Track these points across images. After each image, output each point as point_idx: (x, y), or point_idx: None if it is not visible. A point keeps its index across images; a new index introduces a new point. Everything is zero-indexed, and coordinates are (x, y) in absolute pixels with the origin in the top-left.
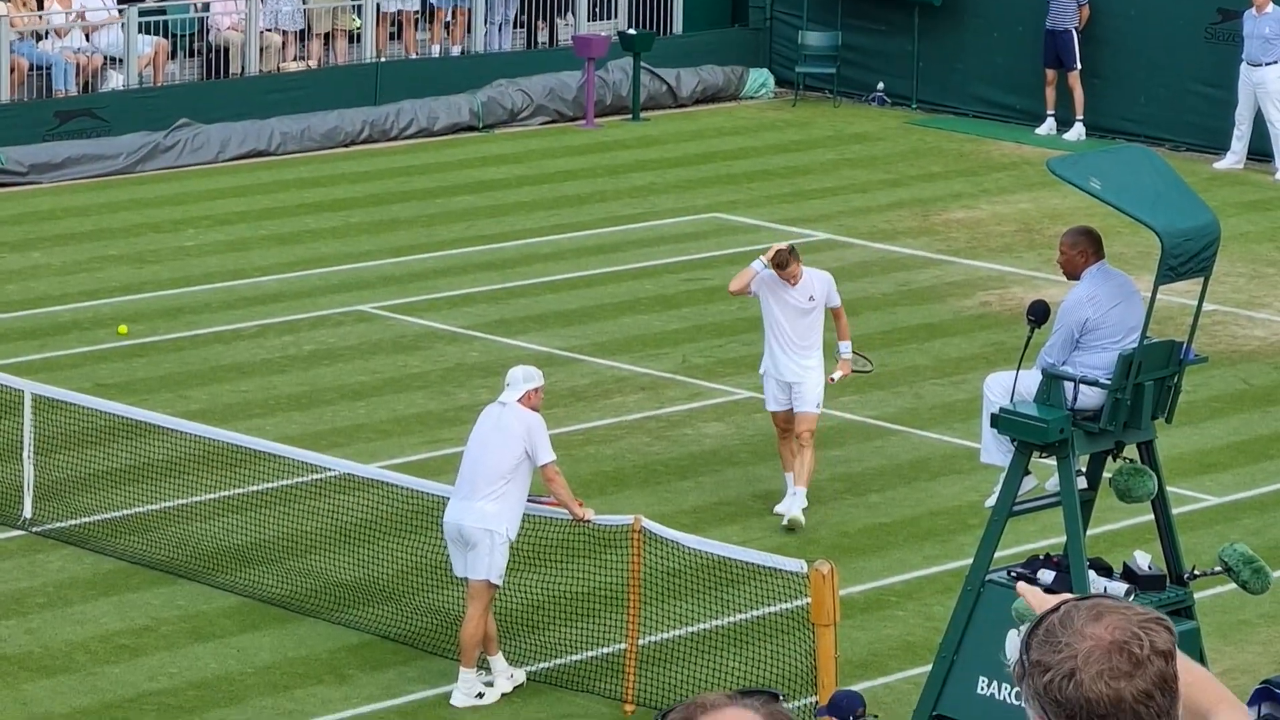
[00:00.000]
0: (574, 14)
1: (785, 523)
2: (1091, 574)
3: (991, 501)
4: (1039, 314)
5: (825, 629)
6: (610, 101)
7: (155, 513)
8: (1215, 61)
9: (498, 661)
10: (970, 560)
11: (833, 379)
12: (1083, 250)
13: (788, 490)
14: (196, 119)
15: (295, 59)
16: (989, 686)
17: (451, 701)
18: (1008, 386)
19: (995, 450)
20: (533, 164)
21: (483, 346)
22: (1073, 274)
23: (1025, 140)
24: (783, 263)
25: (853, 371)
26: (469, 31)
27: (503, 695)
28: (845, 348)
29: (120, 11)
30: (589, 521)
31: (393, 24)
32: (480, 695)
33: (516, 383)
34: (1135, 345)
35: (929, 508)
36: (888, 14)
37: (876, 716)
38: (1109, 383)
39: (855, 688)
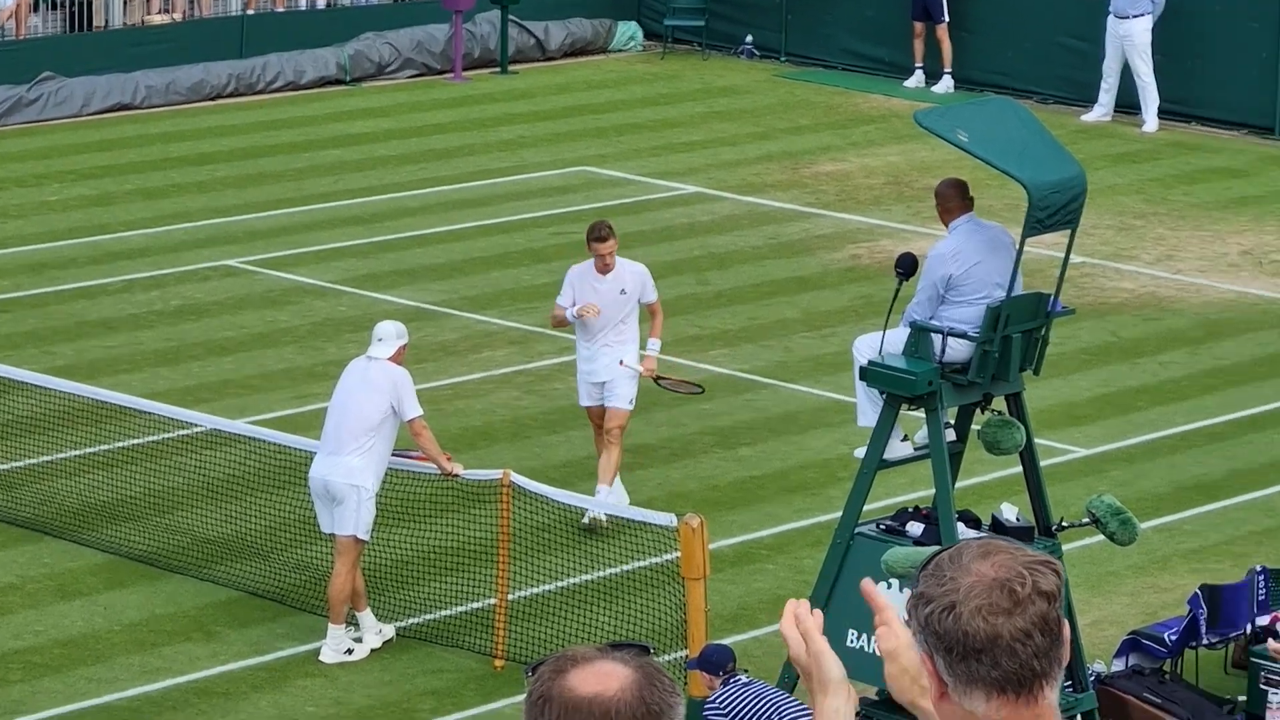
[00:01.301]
0: None
1: (585, 521)
2: (960, 526)
3: (861, 453)
4: (907, 266)
5: (695, 583)
6: (478, 55)
7: (20, 470)
8: (1082, 14)
9: (366, 617)
10: (840, 513)
11: (623, 362)
12: (946, 204)
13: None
14: (60, 72)
15: (160, 11)
16: (858, 639)
17: (320, 658)
18: (875, 347)
19: (871, 412)
20: (401, 118)
21: (351, 301)
22: (945, 224)
23: (894, 93)
24: (601, 235)
25: (671, 389)
26: None
27: (372, 651)
28: (654, 345)
29: None
30: (457, 476)
31: None
32: (349, 651)
33: (389, 338)
34: (1003, 298)
35: (798, 461)
36: None
37: (746, 670)
38: (977, 335)
39: (725, 641)
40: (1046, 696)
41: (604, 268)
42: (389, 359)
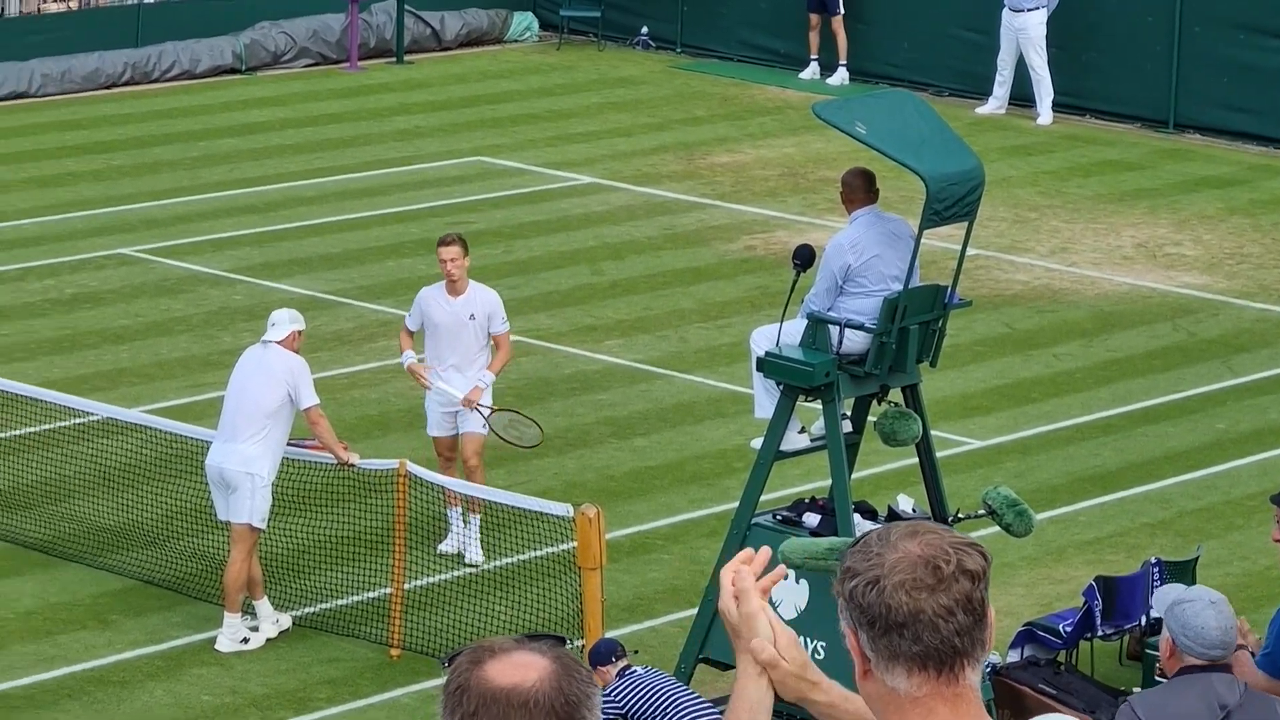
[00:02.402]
0: None
1: (468, 559)
2: (856, 517)
3: (757, 444)
4: (804, 258)
5: (591, 572)
6: (374, 44)
7: None
8: (977, 6)
9: (263, 606)
10: (736, 504)
11: (430, 384)
12: (851, 193)
13: (452, 525)
14: None
15: (56, 0)
16: None
17: (216, 646)
18: (772, 338)
19: (768, 403)
20: (296, 107)
21: (246, 290)
22: (849, 213)
23: (789, 85)
24: (443, 239)
25: (500, 437)
26: None
27: (268, 640)
28: (485, 378)
29: None
30: (353, 465)
31: None
32: (245, 640)
33: (282, 323)
34: (900, 289)
35: (694, 451)
36: None
37: (637, 651)
38: (874, 327)
39: (621, 631)
40: (968, 676)
41: (452, 288)
42: (282, 343)
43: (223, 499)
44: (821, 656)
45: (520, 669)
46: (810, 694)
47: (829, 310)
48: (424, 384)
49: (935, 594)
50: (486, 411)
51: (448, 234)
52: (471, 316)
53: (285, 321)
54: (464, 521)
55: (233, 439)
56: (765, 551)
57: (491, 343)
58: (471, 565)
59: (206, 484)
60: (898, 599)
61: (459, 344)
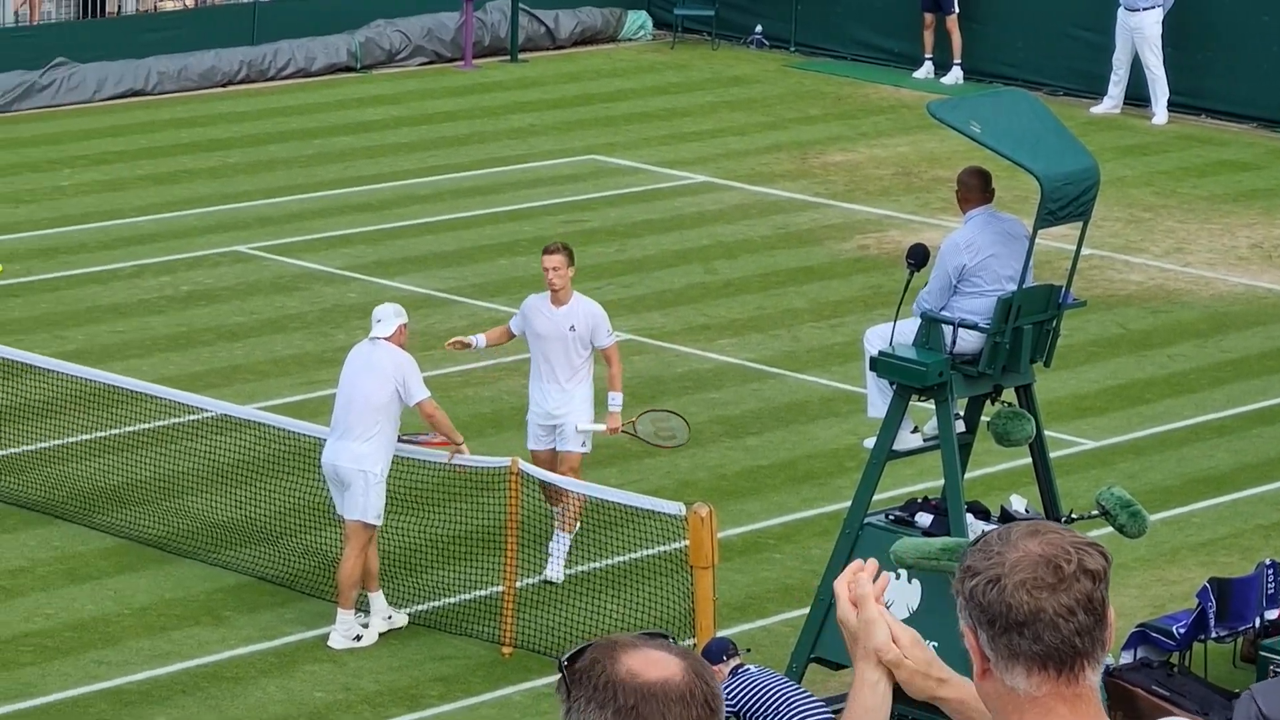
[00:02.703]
0: None
1: (549, 577)
2: (969, 517)
3: (870, 444)
4: (918, 257)
5: (703, 571)
6: (488, 43)
7: (31, 453)
8: (1093, 6)
9: (377, 599)
10: (848, 503)
11: (578, 428)
12: (966, 193)
13: (554, 538)
14: (73, 58)
15: None
16: None
17: (329, 644)
18: (886, 338)
19: (881, 403)
20: (410, 105)
21: (360, 287)
22: (964, 212)
23: (903, 84)
24: (547, 248)
25: (642, 440)
26: None
27: (380, 636)
28: (614, 400)
29: None
30: (463, 454)
31: None
32: (358, 638)
33: (388, 318)
34: (1015, 290)
35: (806, 450)
36: None
37: (749, 650)
38: (988, 326)
39: (733, 630)
40: (1088, 677)
41: (555, 298)
42: (389, 338)
43: (339, 495)
44: None
45: (661, 664)
46: (939, 691)
47: (942, 310)
48: (460, 346)
49: (1056, 593)
50: (633, 429)
51: (552, 243)
52: (571, 328)
53: (391, 316)
54: (557, 535)
55: (345, 436)
56: (874, 562)
57: (600, 356)
58: (551, 580)
59: (321, 480)
60: (1018, 598)
61: (558, 355)
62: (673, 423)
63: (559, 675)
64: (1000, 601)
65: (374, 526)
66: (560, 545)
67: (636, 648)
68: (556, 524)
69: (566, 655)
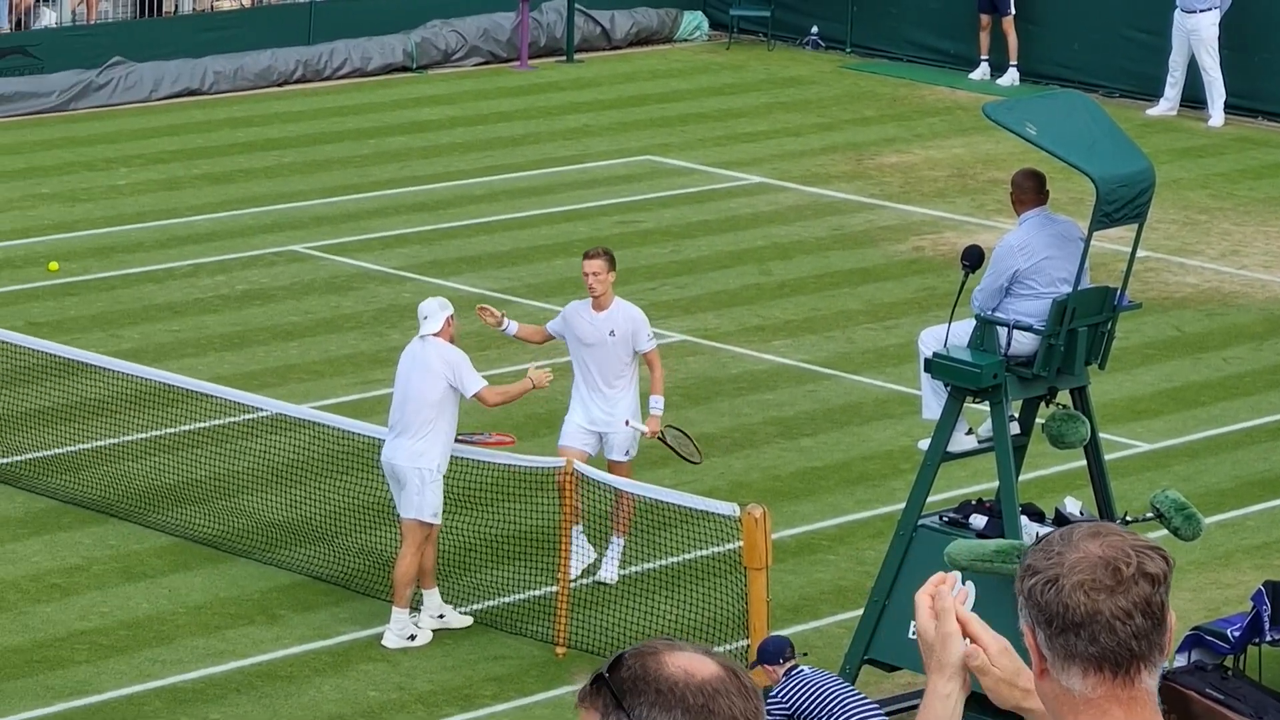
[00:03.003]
0: None
1: (599, 578)
2: (1023, 520)
3: (924, 445)
4: (973, 259)
5: (757, 572)
6: (544, 43)
7: (87, 452)
8: (1149, 7)
9: (432, 597)
10: (902, 505)
11: (628, 422)
12: (1021, 194)
13: (572, 543)
14: (129, 57)
15: None
16: None
17: (383, 643)
18: (941, 339)
19: (936, 405)
20: (466, 105)
21: (415, 287)
22: (1018, 214)
23: (959, 85)
24: (587, 252)
25: (670, 448)
26: None
27: (434, 634)
28: (656, 404)
29: None
30: (545, 381)
31: None
32: (412, 638)
33: (434, 314)
34: (1069, 292)
35: (861, 452)
36: None
37: (806, 654)
38: (1043, 328)
39: (786, 631)
40: (1144, 680)
41: (596, 303)
42: (438, 334)
43: (397, 494)
44: None
45: (703, 661)
46: (1024, 702)
47: (994, 311)
48: (491, 316)
49: (1114, 595)
50: (664, 437)
51: (592, 248)
52: (611, 333)
53: (436, 311)
54: (613, 538)
55: (402, 434)
56: (955, 575)
57: (642, 361)
58: (605, 582)
59: (374, 480)
60: (1076, 599)
61: (599, 360)
62: (690, 447)
63: (595, 688)
64: (1058, 602)
65: (430, 525)
66: (615, 549)
67: (671, 650)
68: (613, 528)
69: (604, 668)
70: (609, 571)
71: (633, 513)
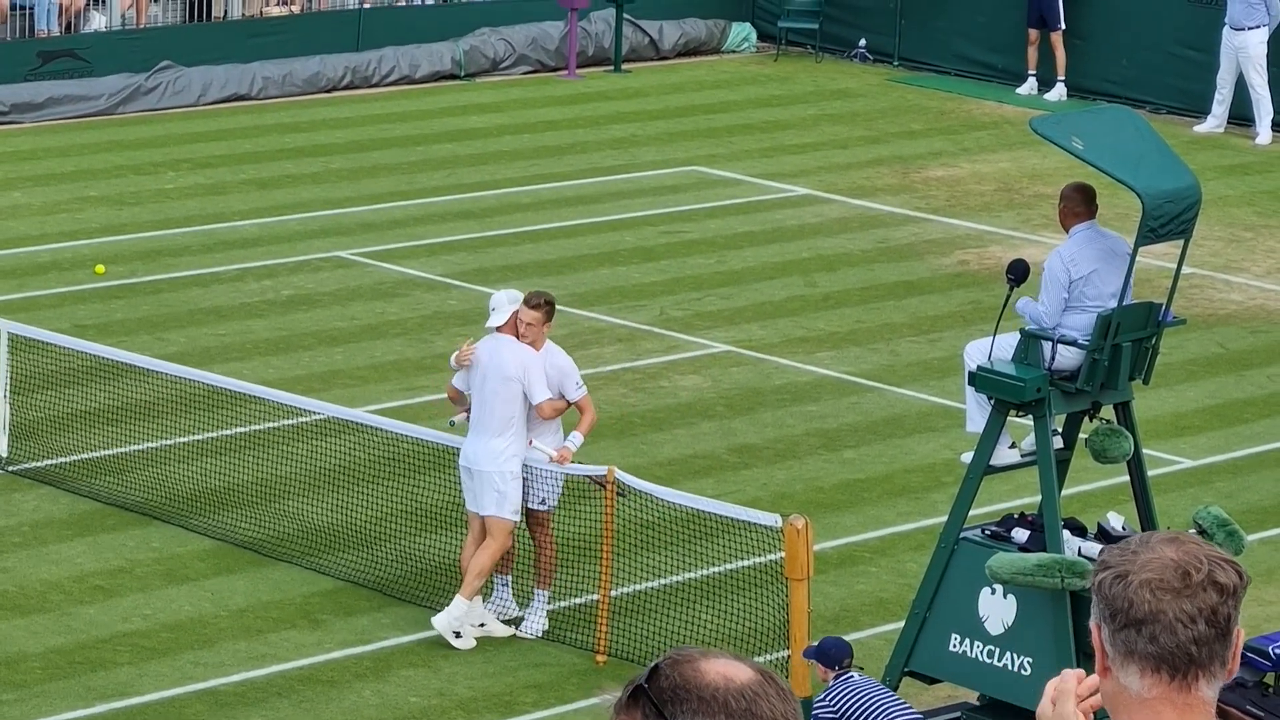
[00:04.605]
0: None
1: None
2: (1066, 534)
3: (967, 458)
4: (1019, 273)
5: (798, 583)
6: (592, 52)
7: (131, 454)
8: (1198, 24)
9: (475, 605)
10: (944, 518)
11: (531, 442)
12: (1069, 208)
13: (494, 591)
14: (178, 62)
15: (278, 3)
16: (961, 644)
17: (432, 620)
18: (986, 352)
19: (980, 418)
20: (514, 113)
21: (461, 295)
22: (1066, 228)
23: (1006, 99)
24: (530, 301)
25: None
26: None
27: (476, 641)
28: (575, 438)
29: None
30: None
31: None
32: (457, 634)
33: (502, 307)
34: (1114, 306)
35: (903, 464)
36: None
37: (861, 669)
38: (1087, 343)
39: None
40: (1202, 689)
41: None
42: (504, 327)
43: (471, 492)
44: (1028, 673)
45: (739, 666)
46: None
47: (1058, 326)
48: (466, 357)
49: (1179, 598)
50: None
51: (533, 295)
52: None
53: (505, 305)
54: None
55: (481, 432)
56: (1095, 679)
57: (575, 408)
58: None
59: (418, 485)
60: (1141, 595)
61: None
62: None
63: (633, 699)
64: (1123, 597)
65: (512, 521)
66: (539, 602)
67: (705, 657)
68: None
69: (640, 679)
70: (532, 625)
71: (554, 566)
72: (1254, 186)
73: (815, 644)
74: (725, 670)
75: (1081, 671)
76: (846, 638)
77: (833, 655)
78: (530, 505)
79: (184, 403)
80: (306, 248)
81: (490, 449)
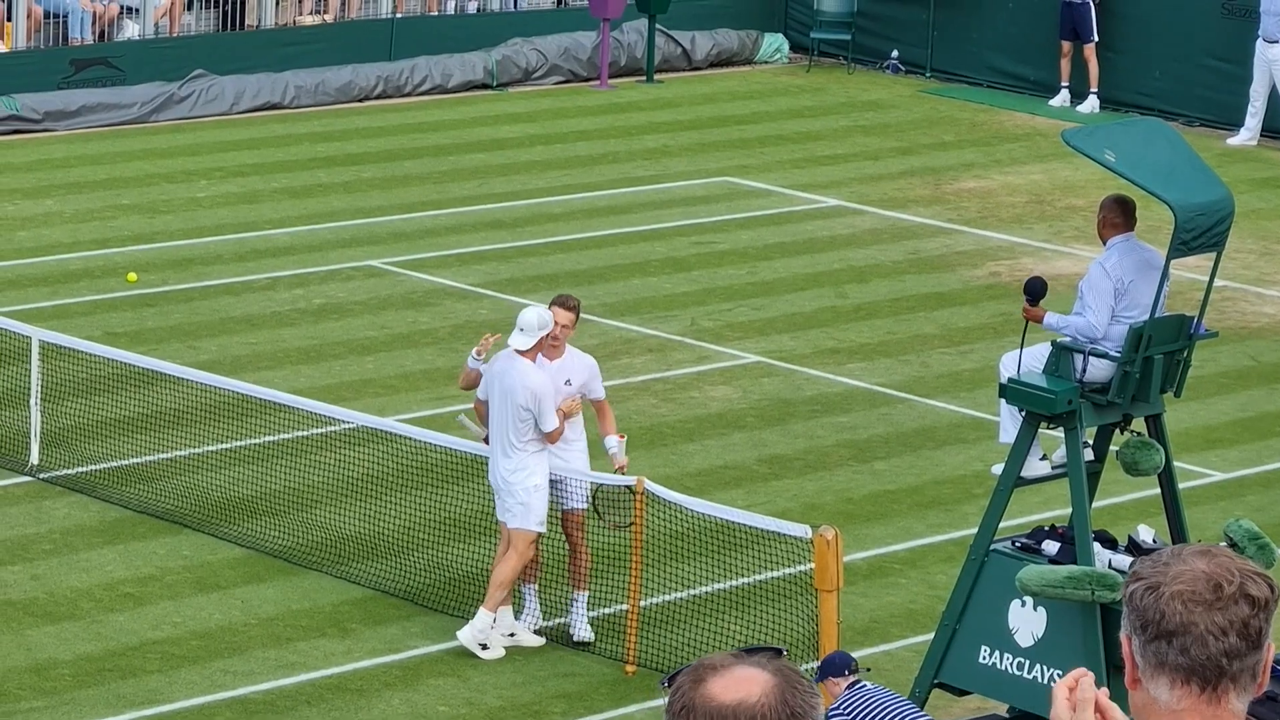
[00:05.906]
0: None
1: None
2: (1096, 546)
3: (998, 470)
4: (1034, 291)
5: (828, 595)
6: (624, 63)
7: (162, 462)
8: (1231, 37)
9: (505, 615)
10: (974, 530)
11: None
12: (1108, 219)
13: (525, 600)
14: (211, 70)
15: (311, 13)
16: (990, 656)
17: (457, 633)
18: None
19: (1013, 429)
20: (546, 123)
21: (492, 304)
22: (1103, 240)
23: (1038, 111)
24: (565, 302)
25: (605, 517)
26: None
27: (505, 651)
28: (612, 443)
29: None
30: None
31: None
32: (484, 646)
33: (530, 329)
34: (1146, 319)
35: (934, 476)
36: None
37: (869, 670)
38: (1119, 355)
39: (856, 654)
40: (1231, 702)
41: (553, 351)
42: (527, 353)
43: (502, 505)
44: None
45: (743, 684)
46: None
47: (1102, 336)
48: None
49: (1211, 610)
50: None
51: (567, 297)
52: (568, 383)
53: (533, 328)
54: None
55: (502, 449)
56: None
57: (595, 409)
58: (583, 642)
59: (448, 495)
60: (1172, 607)
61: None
62: (618, 518)
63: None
64: (1154, 608)
65: (533, 532)
66: (579, 604)
67: (726, 668)
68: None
69: (667, 676)
70: (581, 630)
71: (589, 567)
72: None
73: (818, 666)
74: (716, 689)
75: (1089, 672)
76: (875, 649)
77: (836, 665)
78: (565, 506)
79: (215, 411)
80: (338, 257)
81: (510, 464)
